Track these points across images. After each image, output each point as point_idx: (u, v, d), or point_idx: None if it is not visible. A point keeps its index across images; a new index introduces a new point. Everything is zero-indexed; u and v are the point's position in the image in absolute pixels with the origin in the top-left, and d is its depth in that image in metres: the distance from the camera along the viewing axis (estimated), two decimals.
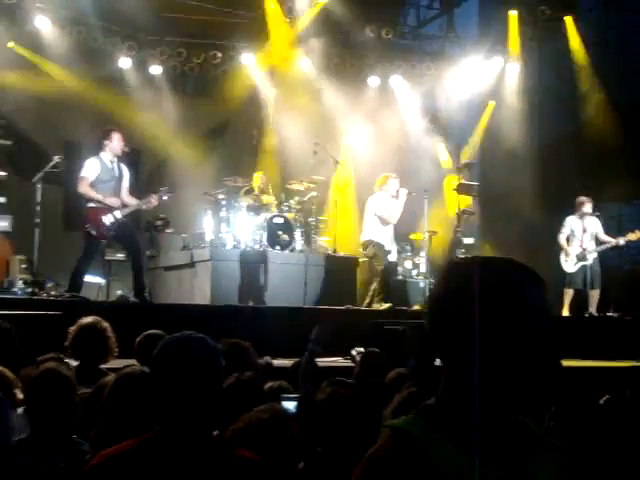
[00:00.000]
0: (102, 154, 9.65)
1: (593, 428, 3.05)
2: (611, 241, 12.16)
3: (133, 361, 5.10)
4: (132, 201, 9.90)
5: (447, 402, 1.57)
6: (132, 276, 9.96)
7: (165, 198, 10.33)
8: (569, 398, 3.27)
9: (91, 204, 9.55)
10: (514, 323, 1.54)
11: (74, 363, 5.08)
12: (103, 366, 5.21)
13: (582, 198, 12.33)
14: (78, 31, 13.78)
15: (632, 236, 12.09)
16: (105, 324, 5.21)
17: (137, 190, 15.07)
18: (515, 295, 1.57)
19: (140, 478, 2.28)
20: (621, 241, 12.13)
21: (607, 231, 12.60)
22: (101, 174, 9.56)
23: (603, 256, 12.53)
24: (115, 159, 9.73)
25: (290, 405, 3.93)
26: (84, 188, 9.46)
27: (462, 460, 1.49)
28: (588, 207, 12.24)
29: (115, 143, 9.61)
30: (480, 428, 1.52)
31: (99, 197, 9.43)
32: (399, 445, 1.51)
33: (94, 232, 9.43)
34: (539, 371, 1.56)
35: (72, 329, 5.19)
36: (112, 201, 9.47)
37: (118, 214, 9.49)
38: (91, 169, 9.50)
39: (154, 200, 9.95)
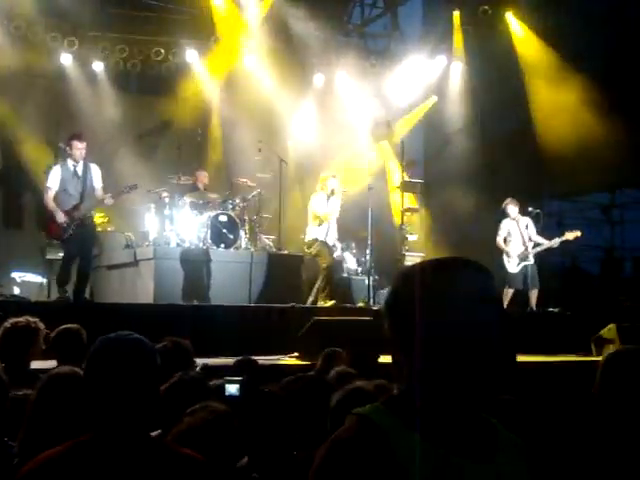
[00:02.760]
0: (68, 160, 10.02)
1: (537, 423, 3.09)
2: (545, 242, 12.35)
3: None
4: (102, 199, 10.19)
5: (408, 392, 1.60)
6: (76, 276, 10.17)
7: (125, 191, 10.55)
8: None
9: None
10: (446, 308, 1.58)
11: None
12: (35, 367, 5.13)
13: (506, 201, 12.51)
14: (17, 26, 13.52)
15: (569, 235, 12.30)
16: (34, 324, 5.12)
17: None
18: (445, 279, 1.62)
19: None
20: (556, 242, 12.33)
21: (548, 228, 12.80)
22: (65, 181, 9.90)
23: (544, 253, 12.71)
24: (80, 163, 10.01)
25: (233, 388, 3.96)
26: (46, 199, 9.93)
27: (423, 448, 1.52)
28: (513, 209, 12.42)
29: (75, 151, 9.92)
30: (441, 419, 1.57)
31: (53, 210, 9.81)
32: (362, 431, 1.55)
33: (52, 233, 10.00)
34: (484, 361, 1.57)
35: (1, 329, 5.10)
36: (60, 216, 9.77)
37: (75, 214, 9.82)
38: (53, 178, 9.90)
39: (109, 200, 10.18)
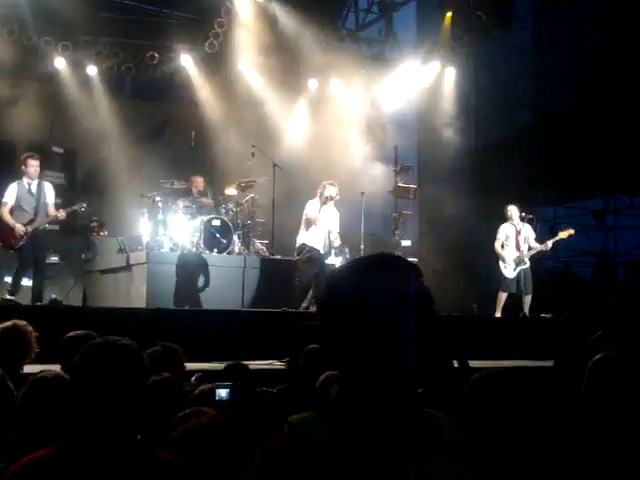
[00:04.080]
0: (23, 178, 10.77)
1: (513, 428, 3.09)
2: (537, 246, 12.37)
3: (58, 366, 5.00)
4: (55, 215, 10.99)
5: (340, 401, 1.58)
6: (32, 280, 10.94)
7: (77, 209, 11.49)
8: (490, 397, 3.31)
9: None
10: (363, 310, 1.55)
11: None
12: (28, 371, 5.10)
13: (509, 207, 12.52)
14: (10, 30, 13.50)
15: (562, 234, 12.34)
16: (25, 328, 5.10)
17: (72, 191, 14.97)
18: (362, 281, 1.58)
19: None
20: (549, 244, 12.37)
21: (541, 233, 12.83)
22: (20, 197, 10.70)
23: (538, 258, 12.75)
24: (35, 181, 10.82)
25: (223, 393, 3.96)
26: (2, 211, 10.63)
27: (352, 462, 1.49)
28: (515, 214, 12.43)
29: (29, 169, 10.72)
30: (373, 428, 1.53)
31: (10, 223, 10.59)
32: (290, 441, 1.54)
33: (4, 243, 10.72)
34: (403, 364, 1.53)
35: None
36: (19, 227, 10.51)
37: (29, 228, 10.58)
38: (10, 194, 10.69)
39: (63, 214, 11.01)
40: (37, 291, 10.73)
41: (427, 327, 1.56)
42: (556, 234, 12.52)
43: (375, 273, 1.59)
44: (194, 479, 2.44)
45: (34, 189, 10.76)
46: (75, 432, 2.36)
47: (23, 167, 10.75)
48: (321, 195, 11.39)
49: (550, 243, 12.36)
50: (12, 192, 10.67)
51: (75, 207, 11.29)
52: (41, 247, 10.89)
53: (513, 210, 12.45)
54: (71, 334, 5.09)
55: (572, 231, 12.39)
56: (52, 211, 10.88)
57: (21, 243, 10.52)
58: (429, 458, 1.57)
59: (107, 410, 2.33)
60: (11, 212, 10.59)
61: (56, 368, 4.89)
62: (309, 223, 11.34)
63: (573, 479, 2.84)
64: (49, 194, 10.92)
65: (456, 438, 1.65)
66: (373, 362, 1.54)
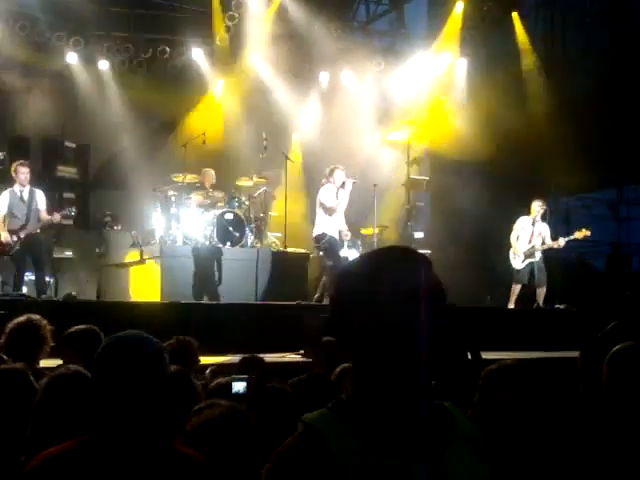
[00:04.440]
0: (15, 185, 11.05)
1: (521, 420, 3.08)
2: (550, 243, 12.34)
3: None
4: (50, 219, 11.25)
5: (354, 397, 1.58)
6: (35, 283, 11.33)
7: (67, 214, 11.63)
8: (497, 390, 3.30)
9: None
10: (368, 302, 1.55)
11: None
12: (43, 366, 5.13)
13: (538, 204, 12.43)
14: (22, 25, 13.54)
15: (578, 235, 12.32)
16: (39, 322, 5.12)
17: (85, 186, 15.04)
18: (367, 274, 1.58)
19: (82, 478, 2.25)
20: (561, 242, 12.33)
21: (555, 225, 12.79)
22: (12, 205, 10.99)
23: (550, 249, 12.70)
24: (26, 188, 11.08)
25: (240, 386, 3.97)
26: None
27: (367, 457, 1.50)
28: (540, 210, 12.35)
29: (20, 176, 10.99)
30: (387, 422, 1.53)
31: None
32: (304, 441, 1.54)
33: None
34: (415, 359, 1.53)
35: (7, 328, 5.10)
36: (5, 236, 10.81)
37: (21, 234, 10.90)
38: (2, 202, 11.00)
39: (57, 217, 11.22)
40: (40, 285, 11.06)
41: (439, 319, 1.56)
42: (569, 230, 12.48)
43: (386, 266, 1.59)
44: (211, 472, 2.45)
45: (26, 196, 11.06)
46: (94, 427, 2.37)
47: (14, 174, 11.01)
48: (332, 179, 11.31)
49: (563, 241, 12.32)
50: (4, 200, 10.99)
51: (65, 212, 11.50)
52: (36, 249, 11.14)
53: (534, 205, 12.39)
54: (73, 329, 5.11)
55: (588, 233, 12.32)
56: (44, 216, 11.14)
57: (16, 248, 10.85)
58: (443, 450, 1.57)
59: (127, 404, 2.33)
60: (4, 220, 10.89)
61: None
62: (329, 211, 11.26)
63: (592, 472, 2.84)
64: (40, 200, 11.18)
65: (470, 430, 1.65)
66: (385, 355, 1.54)
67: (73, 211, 11.56)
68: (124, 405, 2.33)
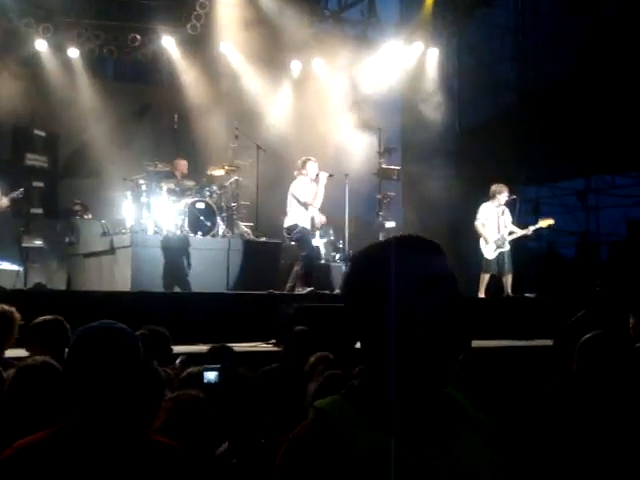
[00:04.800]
0: None
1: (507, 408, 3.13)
2: (519, 231, 12.42)
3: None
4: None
5: (367, 383, 1.59)
6: None
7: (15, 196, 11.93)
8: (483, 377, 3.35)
9: None
10: (388, 293, 1.55)
11: None
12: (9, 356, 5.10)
13: (499, 187, 12.46)
14: None
15: (542, 223, 12.42)
16: (11, 314, 5.08)
17: (54, 174, 14.90)
18: (378, 265, 1.59)
19: (56, 468, 2.23)
20: (530, 230, 12.42)
21: (524, 214, 12.87)
22: None
23: (520, 239, 12.78)
24: None
25: (211, 375, 3.98)
26: None
27: (381, 442, 1.50)
28: (504, 195, 12.39)
29: None
30: (400, 408, 1.54)
31: None
32: (319, 427, 1.53)
33: None
34: (432, 346, 1.53)
35: None
36: None
37: None
38: None
39: (4, 201, 11.58)
40: None
41: (454, 307, 1.57)
42: (538, 219, 12.58)
43: (401, 253, 1.59)
44: (188, 461, 2.45)
45: None
46: (69, 417, 2.35)
47: None
48: (305, 171, 11.29)
49: (531, 229, 12.41)
50: None
51: (14, 194, 11.63)
52: None
53: (501, 191, 12.40)
54: (39, 319, 5.09)
55: (552, 222, 12.47)
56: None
57: None
58: (454, 436, 1.59)
59: (103, 394, 2.32)
60: None
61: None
62: (304, 205, 11.25)
63: (566, 461, 2.87)
64: None
65: (478, 416, 1.67)
66: (402, 343, 1.54)
67: (21, 191, 11.73)
68: (101, 395, 2.32)
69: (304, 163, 11.32)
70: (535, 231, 12.50)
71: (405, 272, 1.56)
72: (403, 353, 1.54)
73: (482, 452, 1.61)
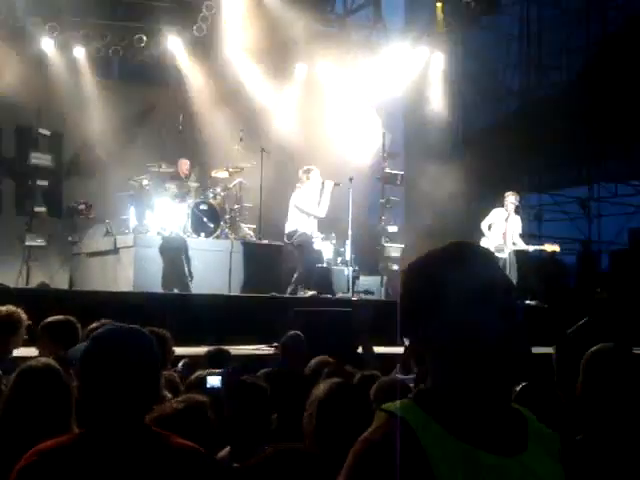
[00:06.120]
0: None
1: None
2: (522, 246, 12.48)
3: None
4: None
5: (440, 388, 1.59)
6: None
7: None
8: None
9: None
10: (438, 308, 1.56)
11: None
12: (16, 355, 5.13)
13: (506, 193, 12.53)
14: None
15: (547, 247, 12.51)
16: (18, 314, 5.10)
17: (59, 174, 14.91)
18: (433, 278, 1.59)
19: (79, 473, 2.20)
20: (530, 249, 12.55)
21: (527, 221, 12.88)
22: None
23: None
24: None
25: (215, 380, 3.98)
26: None
27: (455, 447, 1.51)
28: (513, 202, 12.44)
29: None
30: (471, 415, 1.55)
31: None
32: (393, 430, 1.52)
33: None
34: (497, 357, 1.53)
35: None
36: None
37: None
38: None
39: None
40: None
41: (514, 316, 1.56)
42: (542, 244, 12.70)
43: (453, 267, 1.58)
44: (210, 464, 2.45)
45: None
46: (88, 421, 2.35)
47: None
48: (308, 181, 11.29)
49: (532, 249, 12.60)
50: None
51: None
52: None
53: (512, 197, 12.48)
54: (50, 319, 5.11)
55: (557, 248, 12.59)
56: None
57: None
58: (522, 448, 1.59)
59: (123, 398, 2.31)
60: None
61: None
62: (307, 215, 11.28)
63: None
64: None
65: (544, 430, 1.67)
66: (468, 355, 1.54)
67: None
68: (119, 397, 2.30)
69: (307, 172, 11.31)
70: (535, 250, 12.65)
71: (461, 286, 1.55)
72: (474, 365, 1.54)
73: (549, 463, 1.61)
